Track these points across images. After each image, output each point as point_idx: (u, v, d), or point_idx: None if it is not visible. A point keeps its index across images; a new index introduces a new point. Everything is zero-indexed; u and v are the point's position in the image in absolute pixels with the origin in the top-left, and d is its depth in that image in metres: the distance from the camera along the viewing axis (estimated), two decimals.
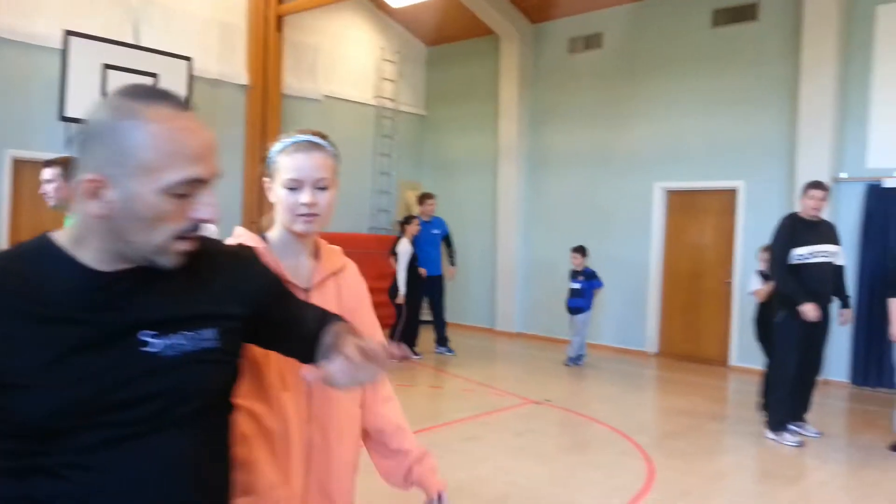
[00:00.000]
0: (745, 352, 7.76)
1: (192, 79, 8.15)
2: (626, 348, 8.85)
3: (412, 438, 1.71)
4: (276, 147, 1.58)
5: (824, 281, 5.11)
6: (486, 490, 4.12)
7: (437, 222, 8.33)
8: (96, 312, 0.99)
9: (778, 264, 5.16)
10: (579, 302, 7.98)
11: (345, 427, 1.61)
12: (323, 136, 1.59)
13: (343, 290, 1.64)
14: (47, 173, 3.51)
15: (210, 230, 6.89)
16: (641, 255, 8.85)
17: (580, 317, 7.98)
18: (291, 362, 1.38)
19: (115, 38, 7.72)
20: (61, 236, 1.04)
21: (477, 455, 4.78)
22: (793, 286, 5.07)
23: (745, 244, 7.92)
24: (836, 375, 7.16)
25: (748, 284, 5.83)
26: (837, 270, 5.22)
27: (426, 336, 8.40)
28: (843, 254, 5.26)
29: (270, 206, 1.61)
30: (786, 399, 5.15)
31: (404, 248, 7.82)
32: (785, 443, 5.08)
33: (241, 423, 1.39)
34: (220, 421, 1.14)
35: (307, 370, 1.09)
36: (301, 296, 1.51)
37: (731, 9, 8.16)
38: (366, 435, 1.71)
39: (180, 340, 1.03)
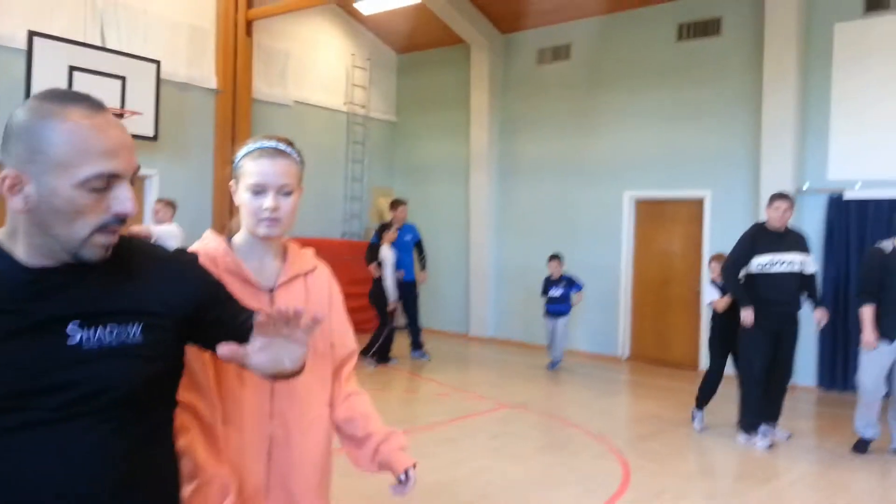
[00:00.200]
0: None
1: (160, 82, 8.03)
2: (599, 353, 8.94)
3: (380, 423, 1.73)
4: (241, 151, 1.61)
5: (788, 290, 5.22)
6: (464, 490, 4.11)
7: (409, 228, 8.34)
8: (25, 304, 1.04)
9: (729, 268, 5.32)
10: (560, 307, 8.05)
11: (310, 424, 1.63)
12: (289, 143, 1.62)
13: (312, 292, 1.66)
14: None
15: (172, 231, 6.74)
16: (612, 262, 8.97)
17: (561, 321, 8.05)
18: None
19: (81, 39, 7.58)
20: (1, 235, 1.09)
21: (454, 457, 4.77)
22: (739, 291, 5.23)
23: (712, 252, 8.05)
24: (804, 380, 7.33)
25: (704, 296, 5.81)
26: (808, 278, 5.34)
27: (401, 341, 8.38)
28: (812, 261, 5.38)
29: (237, 209, 1.63)
30: (755, 402, 5.25)
31: (388, 254, 7.82)
32: (756, 445, 5.17)
33: (181, 417, 1.40)
34: (151, 416, 1.15)
35: (221, 347, 1.07)
36: (264, 296, 1.57)
37: (696, 23, 8.36)
38: (338, 430, 1.73)
39: (102, 334, 1.07)
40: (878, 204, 6.95)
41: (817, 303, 5.36)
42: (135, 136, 7.64)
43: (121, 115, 7.58)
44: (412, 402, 6.60)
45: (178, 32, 8.63)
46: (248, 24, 9.16)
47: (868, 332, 4.98)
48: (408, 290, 8.14)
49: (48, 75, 7.07)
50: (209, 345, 1.22)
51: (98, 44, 7.78)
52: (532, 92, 9.83)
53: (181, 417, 1.42)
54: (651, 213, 8.89)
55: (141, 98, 7.84)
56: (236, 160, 1.62)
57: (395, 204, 8.28)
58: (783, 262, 5.18)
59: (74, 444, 1.05)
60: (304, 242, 1.77)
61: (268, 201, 1.55)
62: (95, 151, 1.02)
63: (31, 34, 7.05)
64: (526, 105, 9.88)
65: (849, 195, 7.18)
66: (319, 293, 1.69)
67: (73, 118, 1.02)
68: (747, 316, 5.12)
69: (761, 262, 5.18)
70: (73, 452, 1.05)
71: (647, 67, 8.73)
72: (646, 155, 8.71)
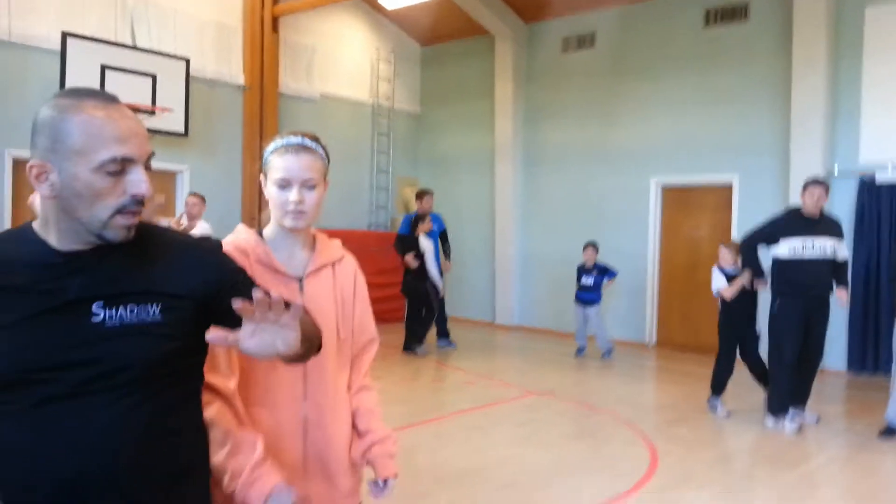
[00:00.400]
0: None
1: (189, 79, 8.19)
2: (626, 340, 8.92)
3: (380, 422, 1.81)
4: (269, 148, 1.70)
5: (819, 275, 5.20)
6: (493, 477, 4.18)
7: (434, 218, 8.39)
8: (55, 285, 1.14)
9: (750, 239, 5.37)
10: (591, 295, 8.03)
11: (338, 405, 1.73)
12: (314, 139, 1.70)
13: (339, 280, 1.76)
14: None
15: (206, 230, 6.86)
16: (639, 249, 8.95)
17: (592, 309, 8.03)
18: None
19: (112, 39, 7.76)
20: (37, 223, 1.21)
21: (481, 444, 4.85)
22: (755, 262, 5.30)
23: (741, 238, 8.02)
24: (833, 364, 7.27)
25: (713, 283, 5.65)
26: (840, 265, 5.31)
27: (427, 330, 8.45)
28: (845, 248, 5.35)
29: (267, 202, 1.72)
30: (784, 386, 5.24)
31: (427, 244, 7.90)
32: (785, 429, 5.17)
33: (206, 395, 1.47)
34: (170, 391, 1.23)
35: (209, 332, 1.09)
36: (294, 285, 1.67)
37: (723, 9, 8.27)
38: None
39: (123, 313, 1.16)
40: None
41: (841, 284, 5.33)
42: (166, 133, 7.89)
43: (152, 113, 7.75)
44: (439, 390, 6.68)
45: (205, 30, 8.78)
46: (275, 21, 9.28)
47: None
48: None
49: (81, 75, 7.26)
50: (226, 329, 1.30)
51: (129, 43, 7.95)
52: (557, 81, 9.82)
53: (206, 395, 1.48)
54: (678, 200, 8.85)
55: (171, 95, 8.01)
56: (265, 156, 1.70)
57: (422, 194, 8.34)
58: (815, 247, 5.15)
59: (96, 417, 1.13)
60: (331, 233, 1.85)
61: (292, 195, 1.63)
62: (108, 138, 1.12)
63: (65, 35, 7.24)
64: (550, 94, 9.87)
65: (880, 178, 7.08)
66: (346, 282, 1.78)
67: (88, 110, 1.13)
68: (759, 284, 5.28)
69: (794, 246, 5.16)
70: (94, 425, 1.13)
71: (673, 54, 8.67)
72: (672, 142, 8.66)
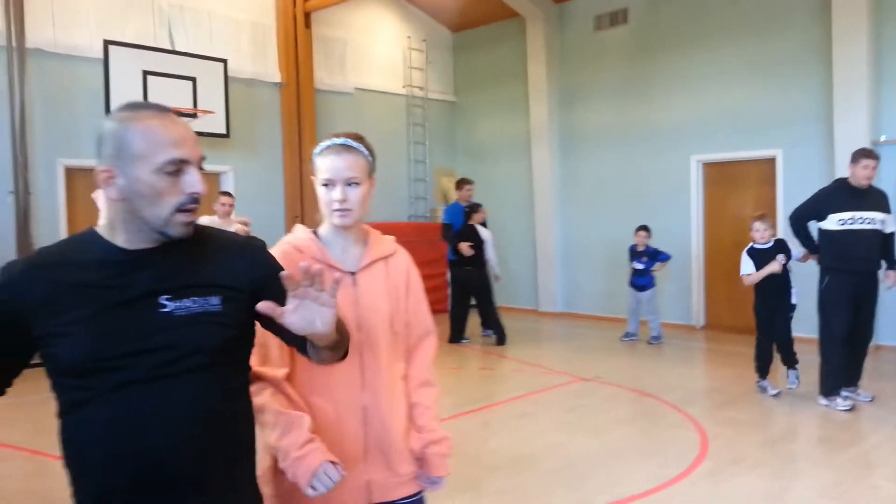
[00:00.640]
0: (800, 321, 7.72)
1: (228, 80, 8.34)
2: (673, 323, 8.83)
3: (437, 422, 1.89)
4: (315, 150, 1.79)
5: (868, 247, 5.10)
6: (542, 463, 4.24)
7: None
8: (124, 280, 1.28)
9: (798, 214, 5.32)
10: (642, 280, 7.96)
11: (395, 395, 1.81)
12: (357, 138, 1.78)
13: (391, 274, 1.84)
14: None
15: (236, 226, 6.72)
16: (682, 229, 8.84)
17: (645, 294, 7.96)
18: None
19: (151, 44, 7.94)
20: (102, 228, 1.35)
21: (531, 431, 4.91)
22: (805, 236, 5.28)
23: (787, 213, 7.84)
24: (886, 340, 7.12)
25: (741, 267, 5.61)
26: (887, 238, 5.20)
27: (472, 320, 8.51)
28: (892, 221, 5.23)
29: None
30: (836, 365, 5.17)
31: (487, 234, 7.96)
32: (837, 408, 5.11)
33: (257, 383, 1.62)
34: (229, 375, 1.37)
35: (260, 303, 1.21)
36: (347, 279, 1.75)
37: None
38: None
39: (189, 304, 1.30)
40: None
41: (890, 264, 5.22)
42: (209, 135, 8.07)
43: (194, 116, 7.93)
44: (487, 378, 6.74)
45: (241, 30, 8.92)
46: (307, 16, 9.37)
47: None
48: None
49: (124, 81, 7.47)
50: (268, 325, 1.41)
51: (168, 47, 8.13)
52: (590, 60, 9.71)
53: (257, 383, 1.63)
54: (720, 177, 8.70)
55: (211, 97, 8.18)
56: (313, 158, 1.79)
57: (461, 183, 8.38)
58: (864, 220, 5.06)
59: (170, 399, 1.26)
60: (371, 227, 1.93)
61: (336, 193, 1.72)
62: (165, 143, 1.26)
63: (107, 43, 7.43)
64: (584, 74, 9.77)
65: None
66: (398, 275, 1.85)
67: (145, 120, 1.27)
68: (808, 256, 5.30)
69: (843, 218, 5.07)
70: (169, 407, 1.26)
71: (708, 25, 8.50)
72: (711, 117, 8.51)
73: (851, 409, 5.08)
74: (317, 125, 9.52)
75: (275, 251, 1.73)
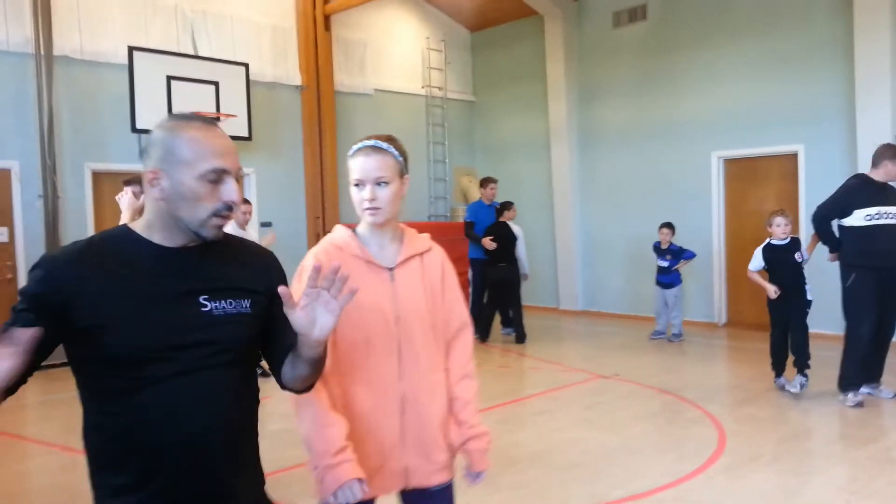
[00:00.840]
0: (817, 317, 7.62)
1: (249, 84, 8.47)
2: (696, 321, 8.78)
3: (477, 416, 1.97)
4: (349, 153, 1.89)
5: (893, 242, 5.04)
6: (559, 459, 4.27)
7: (495, 206, 8.46)
8: (166, 278, 1.39)
9: (822, 213, 5.22)
10: (667, 278, 7.93)
11: (432, 386, 1.90)
12: (387, 139, 1.87)
13: (427, 269, 1.94)
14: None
15: (251, 234, 6.60)
16: (703, 225, 8.79)
17: (670, 292, 7.92)
18: (380, 328, 1.78)
19: (175, 50, 8.10)
20: (136, 226, 1.45)
21: (549, 427, 4.94)
22: (829, 235, 5.20)
23: (809, 209, 7.76)
24: None
25: (751, 262, 5.57)
26: None
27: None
28: None
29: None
30: (858, 362, 5.12)
31: (519, 231, 8.02)
32: (847, 403, 5.08)
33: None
34: (247, 370, 1.52)
35: (282, 287, 1.38)
36: (385, 274, 1.86)
37: None
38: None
39: (224, 304, 1.43)
40: None
41: None
42: (231, 138, 8.19)
43: (217, 119, 8.07)
44: (506, 375, 6.78)
45: (262, 34, 9.04)
46: (326, 19, 9.48)
47: None
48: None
49: (148, 86, 7.63)
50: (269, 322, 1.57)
51: (191, 52, 8.28)
52: (609, 57, 9.69)
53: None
54: (741, 172, 8.64)
55: (234, 101, 8.32)
56: (347, 161, 1.90)
57: (486, 181, 8.44)
58: (889, 214, 5.02)
59: (212, 387, 1.40)
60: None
61: (366, 193, 1.82)
62: (210, 152, 1.38)
63: (131, 49, 7.60)
64: (603, 71, 9.76)
65: None
66: (433, 271, 1.95)
67: (193, 130, 1.39)
68: (833, 257, 5.21)
69: (869, 214, 5.03)
70: (211, 393, 1.40)
71: (728, 20, 8.44)
72: (732, 112, 8.46)
73: (860, 405, 5.04)
74: (337, 127, 9.63)
75: (317, 249, 1.87)
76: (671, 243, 7.93)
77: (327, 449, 1.71)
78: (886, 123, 7.01)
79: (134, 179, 4.10)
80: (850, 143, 7.38)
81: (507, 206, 8.11)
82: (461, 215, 10.35)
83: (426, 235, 2.01)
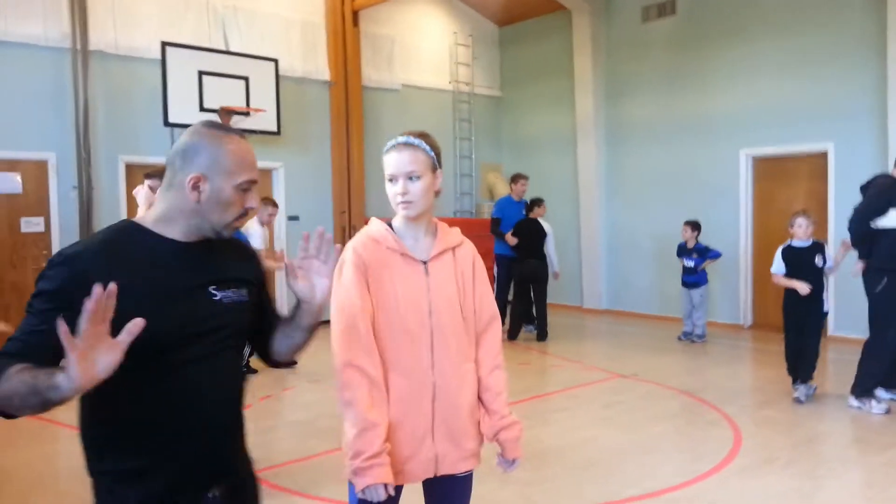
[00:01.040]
0: (843, 321, 7.57)
1: (279, 79, 8.60)
2: (721, 322, 8.72)
3: (507, 407, 2.05)
4: (383, 150, 1.98)
5: None
6: (572, 456, 4.31)
7: (524, 203, 8.46)
8: (183, 271, 1.51)
9: (860, 218, 5.07)
10: (692, 278, 7.87)
11: (463, 376, 1.98)
12: (419, 135, 1.95)
13: (459, 262, 2.02)
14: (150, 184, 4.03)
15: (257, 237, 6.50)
16: (730, 224, 8.70)
17: (696, 292, 7.87)
18: (415, 319, 1.90)
19: (206, 45, 8.25)
20: (144, 221, 1.54)
21: (565, 425, 4.98)
22: (866, 241, 5.03)
23: (838, 209, 7.67)
24: None
25: (773, 265, 5.44)
26: None
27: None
28: None
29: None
30: (878, 368, 5.06)
31: (549, 228, 8.07)
32: (872, 411, 5.01)
33: (349, 374, 1.84)
34: (241, 352, 1.69)
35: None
36: (419, 267, 1.95)
37: None
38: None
39: (230, 293, 1.57)
40: None
41: None
42: (260, 132, 8.35)
43: (247, 114, 8.22)
44: (526, 372, 6.81)
45: (291, 29, 9.15)
46: (355, 15, 9.56)
47: None
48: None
49: (181, 81, 7.80)
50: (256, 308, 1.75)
51: (222, 48, 8.42)
52: (637, 52, 9.62)
53: (349, 374, 1.83)
54: (770, 171, 8.53)
55: (263, 95, 8.45)
56: (382, 157, 1.99)
57: (516, 178, 8.47)
58: None
59: (223, 368, 1.56)
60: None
61: (398, 187, 1.91)
62: (247, 165, 1.55)
63: (164, 44, 7.76)
64: (631, 67, 9.69)
65: None
66: (465, 264, 2.03)
67: (234, 143, 1.54)
68: (862, 268, 5.06)
69: None
70: (223, 373, 1.56)
71: (758, 16, 8.33)
72: (761, 109, 8.35)
73: (888, 411, 4.98)
74: (364, 122, 9.72)
75: (354, 242, 1.96)
76: (697, 242, 7.86)
77: (363, 451, 1.80)
78: None
79: (155, 173, 4.17)
80: (882, 142, 7.25)
81: (537, 202, 8.12)
82: (487, 211, 10.39)
83: (457, 229, 2.08)
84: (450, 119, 10.91)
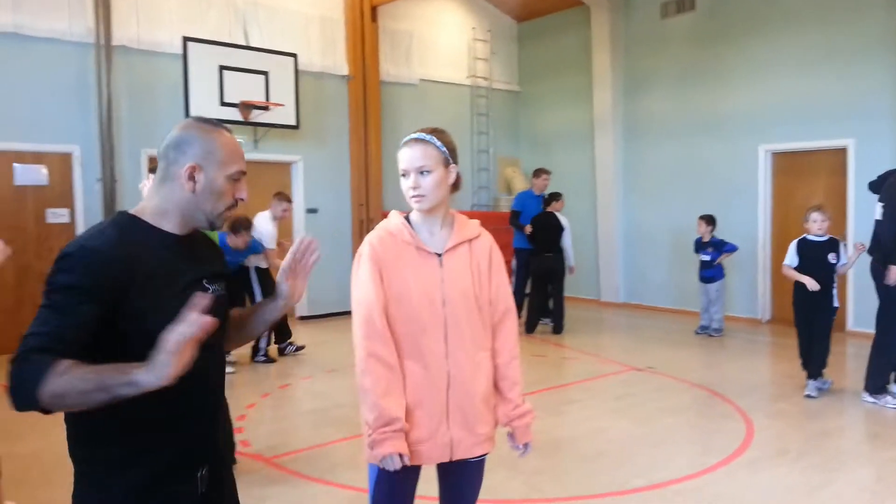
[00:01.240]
0: (862, 316, 7.51)
1: (298, 73, 8.69)
2: (737, 316, 8.68)
3: (521, 395, 2.13)
4: (399, 147, 2.05)
5: None
6: (582, 447, 4.35)
7: (542, 197, 8.48)
8: (183, 263, 1.57)
9: (893, 220, 4.99)
10: (708, 272, 7.86)
11: (477, 365, 2.05)
12: (431, 131, 2.02)
13: (475, 255, 2.08)
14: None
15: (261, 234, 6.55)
16: (749, 220, 8.66)
17: (713, 286, 7.86)
18: (429, 310, 1.96)
19: (227, 40, 8.36)
20: (143, 214, 1.57)
21: (577, 416, 5.02)
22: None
23: (858, 205, 7.62)
24: None
25: (786, 257, 5.42)
26: None
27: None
28: None
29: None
30: (888, 364, 5.03)
31: (566, 222, 8.10)
32: (888, 406, 4.99)
33: (369, 363, 1.95)
34: (223, 340, 1.77)
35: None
36: (434, 259, 2.00)
37: None
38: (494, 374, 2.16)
39: (216, 287, 1.64)
40: None
41: None
42: (280, 126, 8.47)
43: (266, 108, 8.32)
44: (541, 364, 6.85)
45: (310, 25, 9.24)
46: (373, 10, 9.62)
47: None
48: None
49: (202, 75, 7.91)
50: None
51: (242, 43, 8.53)
52: (656, 48, 9.59)
53: (368, 363, 1.93)
54: (789, 167, 8.47)
55: (282, 90, 8.55)
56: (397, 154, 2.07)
57: (538, 172, 8.51)
58: None
59: (219, 357, 1.69)
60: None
61: (410, 181, 1.98)
62: (238, 156, 1.61)
63: (186, 39, 7.88)
64: (650, 62, 9.66)
65: None
66: (481, 256, 2.09)
67: (225, 135, 1.61)
68: (893, 274, 4.92)
69: None
70: (219, 362, 1.70)
71: (778, 12, 8.27)
72: (780, 105, 8.29)
73: None
74: (382, 116, 9.79)
75: (371, 236, 2.03)
76: (713, 236, 7.85)
77: (379, 425, 1.91)
78: None
79: None
80: None
81: (555, 196, 8.16)
82: (504, 205, 10.43)
83: (476, 222, 2.13)
84: (467, 114, 10.95)
